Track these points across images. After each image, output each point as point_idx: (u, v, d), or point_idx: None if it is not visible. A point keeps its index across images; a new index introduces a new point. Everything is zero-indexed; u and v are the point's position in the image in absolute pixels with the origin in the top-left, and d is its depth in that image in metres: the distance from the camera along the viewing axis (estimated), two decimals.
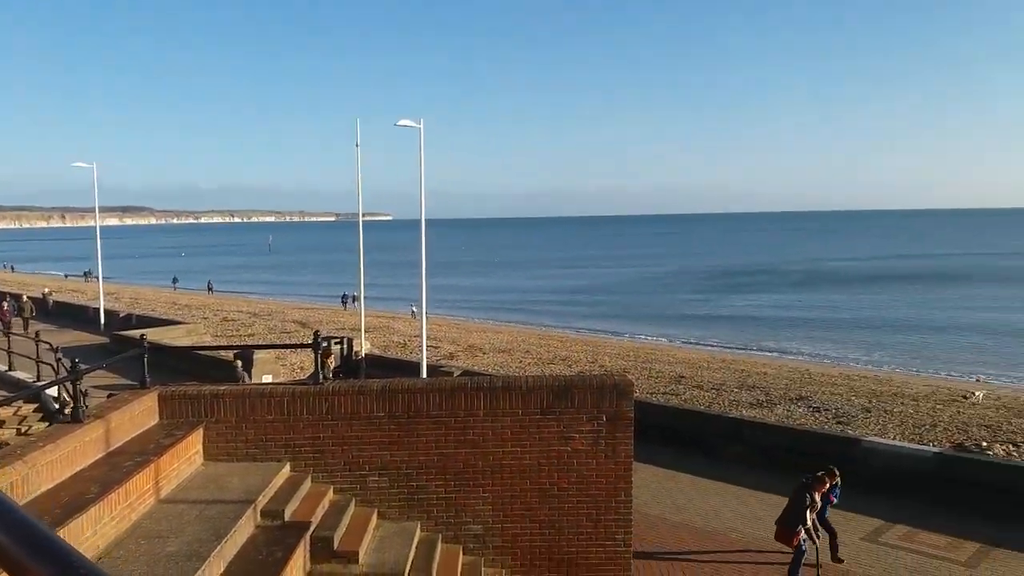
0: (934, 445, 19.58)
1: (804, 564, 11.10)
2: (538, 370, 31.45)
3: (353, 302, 61.35)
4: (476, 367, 30.23)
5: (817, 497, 11.36)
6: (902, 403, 25.24)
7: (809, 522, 11.09)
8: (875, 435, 20.35)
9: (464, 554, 8.78)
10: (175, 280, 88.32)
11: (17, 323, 34.91)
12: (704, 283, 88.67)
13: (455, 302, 72.44)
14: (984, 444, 20.38)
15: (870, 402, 25.27)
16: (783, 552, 12.15)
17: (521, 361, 34.37)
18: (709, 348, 45.25)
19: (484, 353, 36.41)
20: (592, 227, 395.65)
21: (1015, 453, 19.75)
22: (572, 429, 8.90)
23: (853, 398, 25.94)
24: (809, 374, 32.27)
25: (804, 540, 11.07)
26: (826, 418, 23.15)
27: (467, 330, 47.20)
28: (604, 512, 8.97)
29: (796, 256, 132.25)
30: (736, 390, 27.14)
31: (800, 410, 24.12)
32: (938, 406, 25.01)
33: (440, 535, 8.75)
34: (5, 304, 37.13)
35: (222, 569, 6.35)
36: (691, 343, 47.56)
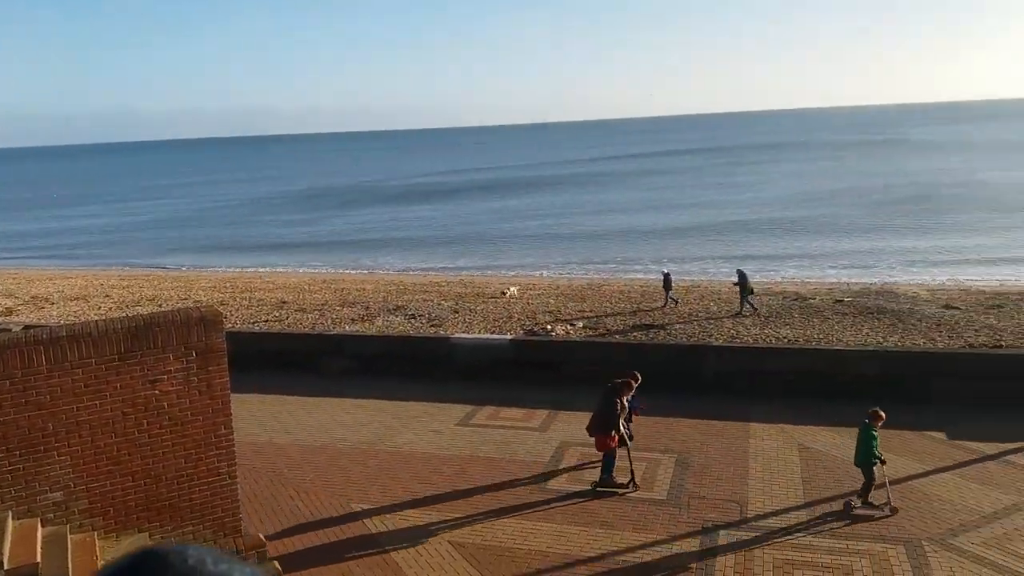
0: (510, 334, 22.41)
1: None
2: (121, 314, 28.51)
3: None
4: (43, 320, 26.40)
5: (625, 401, 11.66)
6: (483, 302, 28.24)
7: (621, 427, 11.43)
8: (463, 332, 22.58)
9: (44, 526, 7.80)
10: None
11: None
12: (296, 206, 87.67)
13: (7, 249, 61.71)
14: (549, 327, 23.89)
15: (457, 304, 27.80)
16: (391, 449, 13.01)
17: (100, 307, 30.86)
18: (309, 271, 45.34)
19: (52, 304, 31.88)
20: (164, 152, 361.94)
21: (571, 331, 23.50)
22: (158, 371, 8.32)
23: (443, 302, 28.29)
24: (404, 285, 34.25)
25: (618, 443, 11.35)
26: (421, 323, 24.98)
27: (28, 280, 40.63)
28: (204, 450, 8.64)
29: (384, 174, 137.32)
30: (338, 308, 27.77)
31: (398, 319, 25.63)
32: (512, 301, 28.52)
33: (10, 512, 7.64)
34: None
35: None
36: (290, 268, 47.14)
